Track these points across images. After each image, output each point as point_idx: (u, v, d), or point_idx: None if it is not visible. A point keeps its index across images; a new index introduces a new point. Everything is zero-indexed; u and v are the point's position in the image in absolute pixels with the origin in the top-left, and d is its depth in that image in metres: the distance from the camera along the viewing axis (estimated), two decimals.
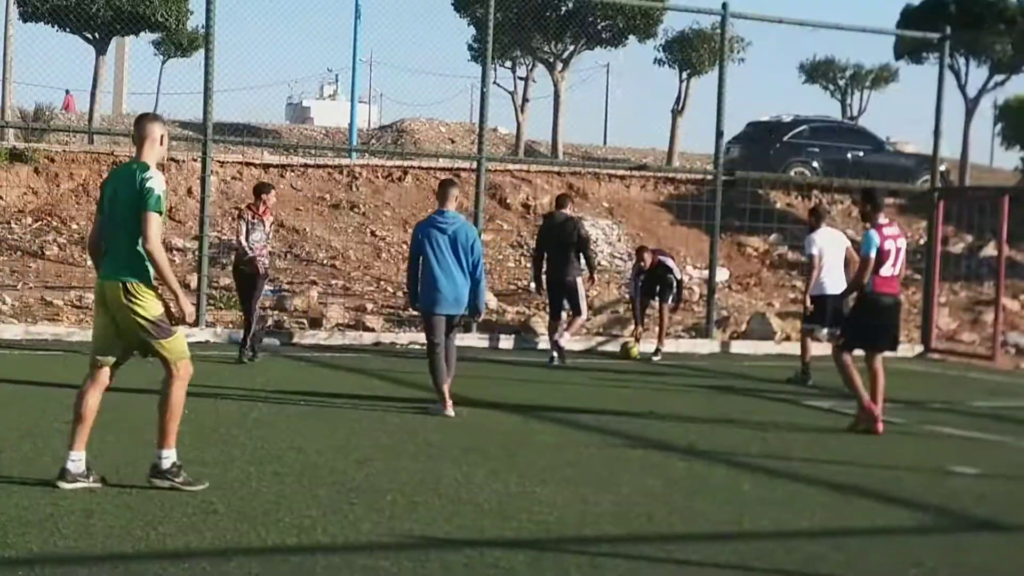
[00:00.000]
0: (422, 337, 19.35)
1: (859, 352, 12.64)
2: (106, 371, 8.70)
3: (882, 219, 12.68)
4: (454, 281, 12.53)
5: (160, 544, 7.27)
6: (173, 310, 8.65)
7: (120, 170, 8.86)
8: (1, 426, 10.61)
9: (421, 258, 12.64)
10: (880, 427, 12.36)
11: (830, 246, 16.30)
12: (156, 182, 8.42)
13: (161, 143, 8.65)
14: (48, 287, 19.80)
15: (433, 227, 12.61)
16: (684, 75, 36.79)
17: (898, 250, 12.61)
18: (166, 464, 8.60)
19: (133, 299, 8.40)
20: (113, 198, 8.55)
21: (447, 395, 12.57)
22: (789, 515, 8.75)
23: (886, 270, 12.52)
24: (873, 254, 12.38)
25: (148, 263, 8.41)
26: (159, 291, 8.53)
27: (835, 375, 12.91)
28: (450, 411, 12.46)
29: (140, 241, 8.36)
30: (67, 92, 39.16)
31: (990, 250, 27.62)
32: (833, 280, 16.18)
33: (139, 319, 8.41)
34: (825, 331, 16.57)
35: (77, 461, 8.49)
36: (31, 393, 12.65)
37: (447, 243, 12.51)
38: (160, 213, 8.41)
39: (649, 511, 8.67)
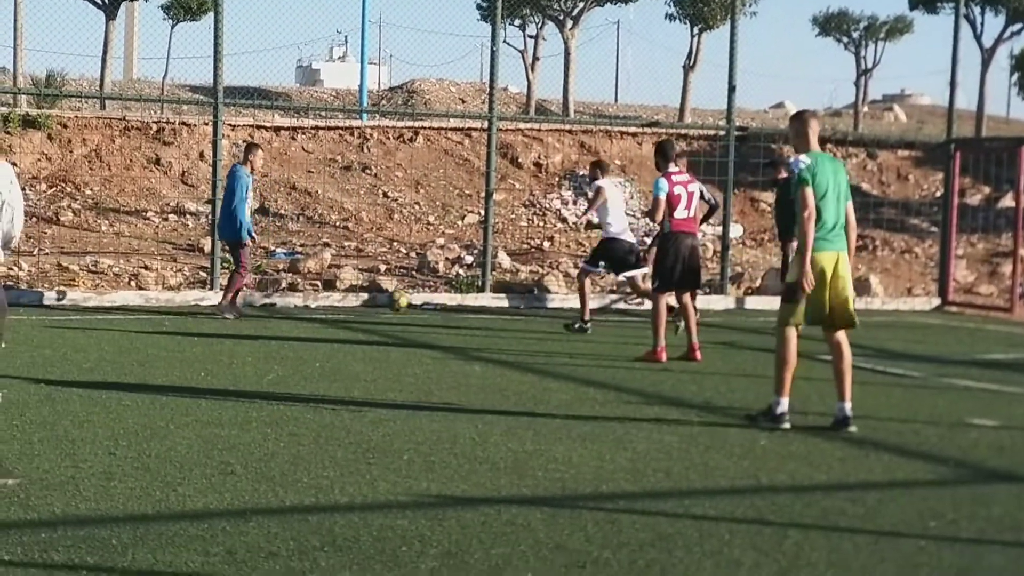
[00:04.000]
0: (436, 297, 19.43)
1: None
2: None
3: (672, 167, 13.89)
4: None
5: (179, 505, 7.30)
6: None
7: None
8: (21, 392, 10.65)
9: None
10: (698, 356, 13.91)
11: (614, 194, 16.47)
12: None
13: None
14: (64, 252, 19.84)
15: None
16: (695, 30, 36.63)
17: (690, 194, 13.87)
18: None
19: None
20: None
21: None
22: (806, 469, 8.75)
23: (680, 212, 13.76)
24: (663, 197, 13.65)
25: None
26: None
27: (866, 331, 12.83)
28: None
29: None
30: None
31: (1007, 201, 27.56)
32: (621, 227, 16.33)
33: None
34: (601, 269, 16.98)
35: None
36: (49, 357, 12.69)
37: None
38: None
39: (666, 467, 8.67)
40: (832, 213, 9.98)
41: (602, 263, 16.31)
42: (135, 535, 6.62)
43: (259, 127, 25.82)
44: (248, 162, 16.69)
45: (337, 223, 23.57)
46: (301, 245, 21.87)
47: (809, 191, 9.85)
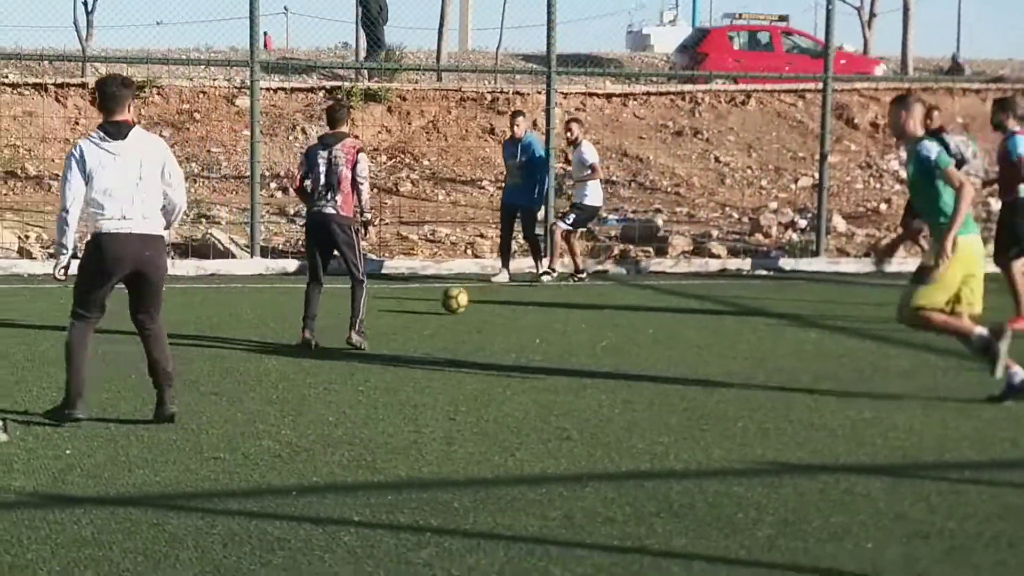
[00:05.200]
0: (768, 262, 19.21)
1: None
2: None
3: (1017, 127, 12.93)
4: None
5: (518, 470, 7.44)
6: None
7: None
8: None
9: None
10: None
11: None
12: None
13: None
14: (403, 222, 20.44)
15: None
16: None
17: None
18: None
19: None
20: None
21: None
22: None
23: None
24: None
25: None
26: None
27: None
28: None
29: None
30: (265, 33, 40.66)
31: None
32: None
33: None
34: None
35: None
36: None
37: None
38: None
39: (1013, 436, 8.36)
40: None
41: None
42: (475, 499, 6.78)
43: (591, 94, 25.98)
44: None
45: (668, 189, 23.54)
46: (633, 211, 21.94)
47: None
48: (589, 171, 16.98)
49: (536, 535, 6.18)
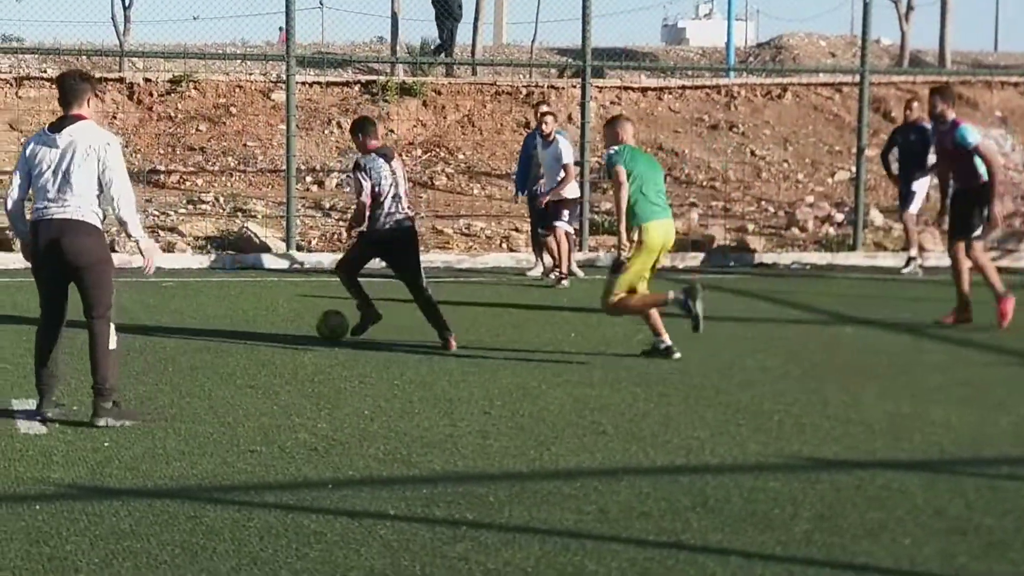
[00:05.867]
0: (804, 256, 19.14)
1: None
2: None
3: None
4: None
5: (553, 464, 7.44)
6: None
7: None
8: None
9: None
10: None
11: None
12: None
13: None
14: (438, 216, 20.47)
15: None
16: None
17: None
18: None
19: None
20: None
21: None
22: None
23: None
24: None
25: None
26: None
27: None
28: None
29: None
30: (280, 29, 40.69)
31: None
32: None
33: None
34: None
35: None
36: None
37: None
38: None
39: None
40: None
41: None
42: (511, 492, 6.78)
43: (626, 88, 25.92)
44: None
45: (704, 183, 23.48)
46: (668, 205, 21.87)
47: None
48: (562, 171, 15.79)
49: (571, 529, 6.18)
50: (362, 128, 11.52)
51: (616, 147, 10.77)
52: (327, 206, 20.40)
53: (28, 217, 8.37)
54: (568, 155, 15.76)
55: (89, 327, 8.21)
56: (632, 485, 6.97)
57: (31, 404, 8.34)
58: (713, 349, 11.41)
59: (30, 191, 8.27)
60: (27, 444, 7.62)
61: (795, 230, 20.84)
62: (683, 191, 22.92)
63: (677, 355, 10.64)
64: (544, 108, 16.49)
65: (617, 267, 10.60)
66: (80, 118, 8.23)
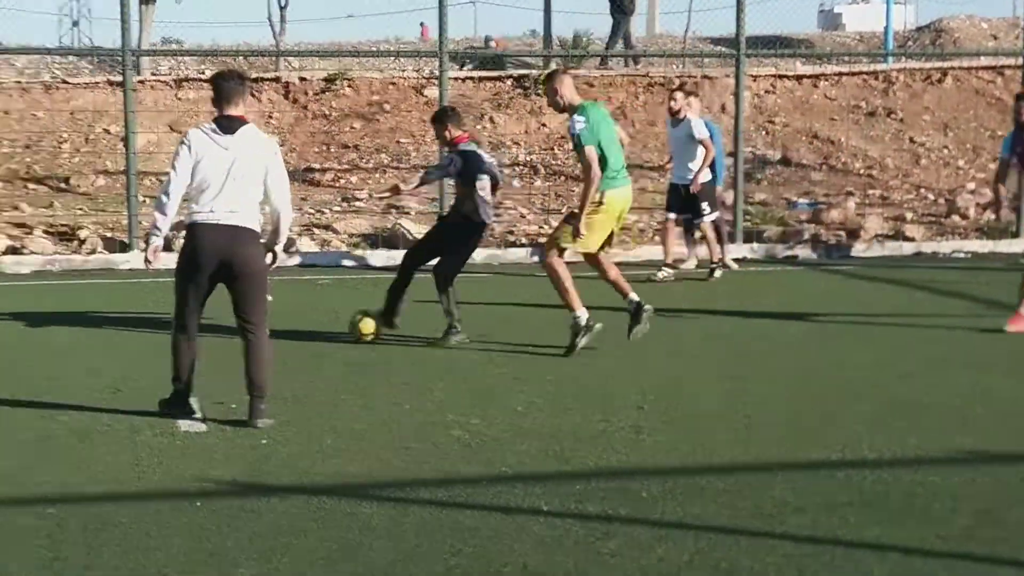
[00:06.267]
0: (965, 245, 18.74)
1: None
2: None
3: None
4: None
5: (706, 459, 7.40)
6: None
7: None
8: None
9: None
10: None
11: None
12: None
13: None
14: None
15: None
16: None
17: None
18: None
19: None
20: None
21: None
22: None
23: None
24: None
25: None
26: None
27: None
28: None
29: None
30: (421, 24, 41.06)
31: None
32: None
33: None
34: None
35: None
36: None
37: None
38: None
39: None
40: None
41: None
42: (664, 488, 6.76)
43: (780, 76, 25.64)
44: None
45: (861, 171, 23.12)
46: (824, 195, 21.59)
47: None
48: (697, 150, 15.20)
49: (725, 525, 6.14)
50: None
51: (580, 118, 10.37)
52: None
53: (183, 219, 8.38)
54: (701, 131, 15.13)
55: (249, 333, 8.24)
56: (787, 480, 6.91)
57: (192, 403, 8.49)
58: (869, 341, 11.24)
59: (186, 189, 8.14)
60: (188, 442, 7.79)
61: (955, 217, 20.42)
62: (840, 180, 22.60)
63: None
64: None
65: (569, 218, 10.74)
66: (245, 120, 8.23)
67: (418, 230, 18.28)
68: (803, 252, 18.18)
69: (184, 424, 8.17)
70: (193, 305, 8.27)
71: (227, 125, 8.12)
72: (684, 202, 15.46)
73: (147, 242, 8.28)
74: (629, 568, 5.57)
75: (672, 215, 15.70)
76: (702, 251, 16.08)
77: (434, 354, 10.69)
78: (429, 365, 10.23)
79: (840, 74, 26.07)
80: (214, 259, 8.07)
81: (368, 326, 11.13)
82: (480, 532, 6.04)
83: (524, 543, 5.89)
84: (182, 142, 8.15)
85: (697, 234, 16.01)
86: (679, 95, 15.32)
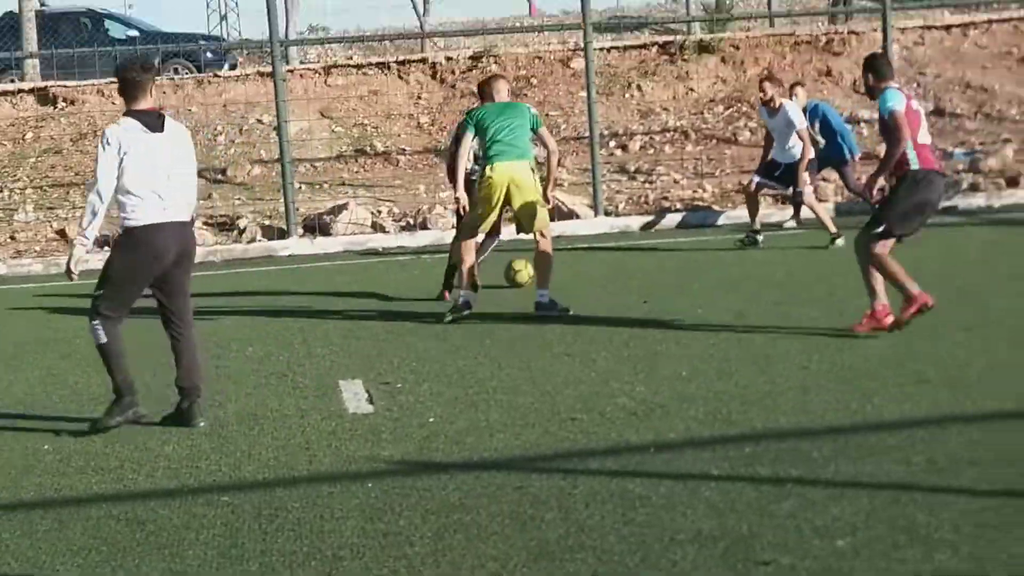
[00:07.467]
0: None
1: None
2: None
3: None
4: None
5: (876, 415, 7.32)
6: None
7: None
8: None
9: None
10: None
11: None
12: None
13: None
14: (743, 171, 20.25)
15: None
16: None
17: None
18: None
19: None
20: None
21: None
22: None
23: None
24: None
25: None
26: None
27: None
28: None
29: None
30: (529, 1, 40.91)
31: None
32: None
33: None
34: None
35: None
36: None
37: None
38: None
39: None
40: None
41: None
42: (835, 447, 6.70)
43: (928, 27, 25.15)
44: None
45: (1017, 117, 22.58)
46: (980, 143, 21.12)
47: None
48: (796, 137, 14.82)
49: (900, 481, 6.07)
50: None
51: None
52: (632, 169, 20.44)
53: (131, 221, 7.98)
54: (799, 120, 14.82)
55: (181, 332, 8.14)
56: (961, 433, 6.80)
57: (358, 385, 8.62)
58: None
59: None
60: (356, 423, 7.89)
61: None
62: (996, 127, 22.08)
63: (449, 319, 10.83)
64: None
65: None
66: (162, 113, 8.10)
67: (572, 201, 18.26)
68: (962, 202, 17.80)
69: (352, 405, 8.29)
70: (130, 304, 8.11)
71: (151, 122, 7.93)
72: (779, 177, 15.21)
73: (72, 251, 8.04)
74: (804, 529, 5.53)
75: (756, 179, 15.44)
76: None
77: (595, 323, 10.67)
78: (591, 334, 10.22)
79: (990, 21, 25.46)
80: (171, 256, 7.96)
81: (523, 275, 12.26)
82: (651, 500, 6.05)
83: (696, 509, 5.88)
84: (106, 142, 7.84)
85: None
86: (767, 85, 15.10)
